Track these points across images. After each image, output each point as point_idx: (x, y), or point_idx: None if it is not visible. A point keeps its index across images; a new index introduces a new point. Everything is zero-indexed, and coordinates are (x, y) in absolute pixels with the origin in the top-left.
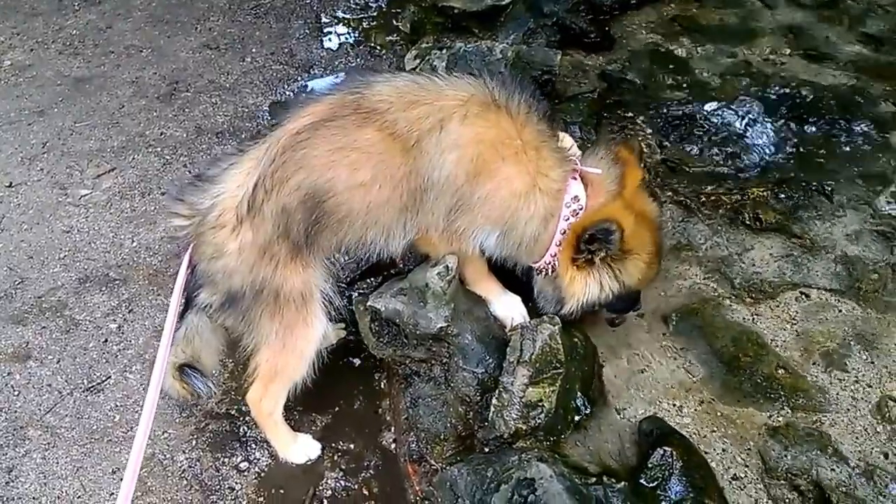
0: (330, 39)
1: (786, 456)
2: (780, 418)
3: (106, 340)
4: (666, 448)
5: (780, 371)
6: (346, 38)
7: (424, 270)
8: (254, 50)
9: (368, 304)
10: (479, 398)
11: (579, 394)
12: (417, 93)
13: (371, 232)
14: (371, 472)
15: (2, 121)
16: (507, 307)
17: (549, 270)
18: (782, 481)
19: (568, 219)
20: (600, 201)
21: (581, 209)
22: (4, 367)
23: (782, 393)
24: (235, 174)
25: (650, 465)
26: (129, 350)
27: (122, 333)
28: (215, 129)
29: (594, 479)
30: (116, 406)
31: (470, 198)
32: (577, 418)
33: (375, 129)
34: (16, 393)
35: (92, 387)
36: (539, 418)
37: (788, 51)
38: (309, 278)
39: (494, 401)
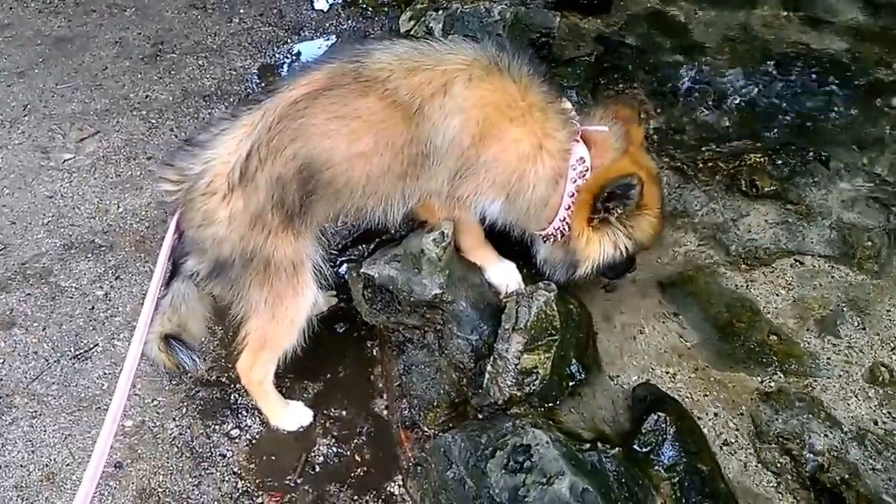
0: (320, 1)
1: (777, 420)
2: (773, 384)
3: (93, 308)
4: (659, 413)
5: (772, 337)
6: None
7: (419, 237)
8: (242, 11)
9: (362, 270)
10: (472, 365)
11: (574, 360)
12: (418, 59)
13: (370, 202)
14: (363, 438)
15: None
16: (503, 274)
17: (559, 236)
18: (773, 445)
19: (575, 181)
20: (606, 161)
21: (587, 171)
22: None
23: (775, 359)
24: (227, 140)
25: (643, 431)
26: (117, 317)
27: (109, 300)
28: (202, 92)
29: (588, 446)
30: (104, 374)
31: (476, 161)
32: (571, 384)
33: (377, 98)
34: (0, 360)
35: (79, 354)
36: (533, 385)
37: (788, 14)
38: (300, 248)
39: (489, 367)
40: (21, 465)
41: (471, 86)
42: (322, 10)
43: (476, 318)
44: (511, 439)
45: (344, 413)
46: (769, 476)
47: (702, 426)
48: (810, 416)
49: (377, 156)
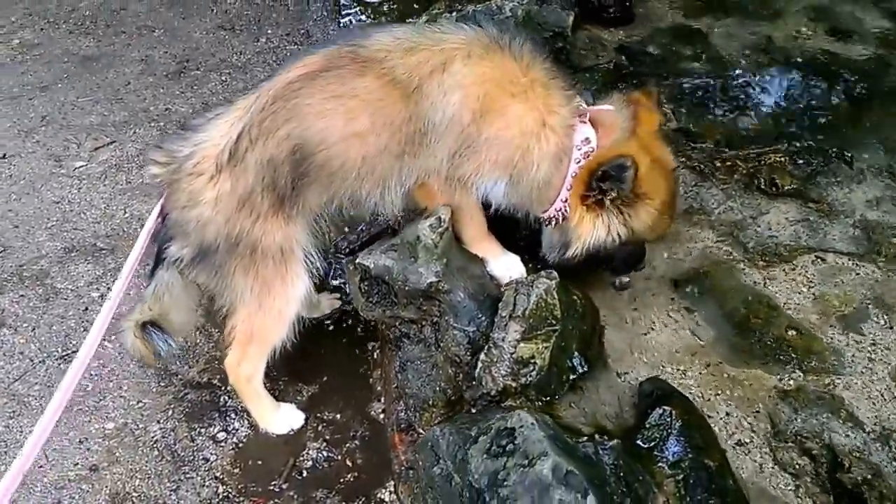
0: (348, 21)
1: (796, 419)
2: (791, 381)
3: (86, 309)
4: (665, 407)
5: (791, 332)
6: (364, 21)
7: (416, 224)
8: (269, 31)
9: (357, 261)
10: (469, 358)
11: (576, 353)
12: (416, 39)
13: (366, 185)
14: (356, 442)
15: (3, 95)
16: (506, 267)
17: (560, 219)
18: (791, 444)
19: (579, 161)
20: (613, 141)
21: (592, 151)
22: None
23: (794, 355)
24: (220, 123)
25: (648, 425)
26: (111, 319)
27: (105, 302)
28: (223, 104)
29: (585, 438)
30: (91, 375)
31: (477, 139)
32: (572, 377)
33: (374, 77)
34: None
35: (66, 355)
36: (530, 376)
37: (812, 28)
38: (290, 234)
39: (482, 356)
40: None
41: (470, 63)
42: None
43: (474, 309)
44: (496, 423)
45: (338, 416)
46: (786, 478)
47: (713, 425)
48: (831, 414)
49: (374, 135)
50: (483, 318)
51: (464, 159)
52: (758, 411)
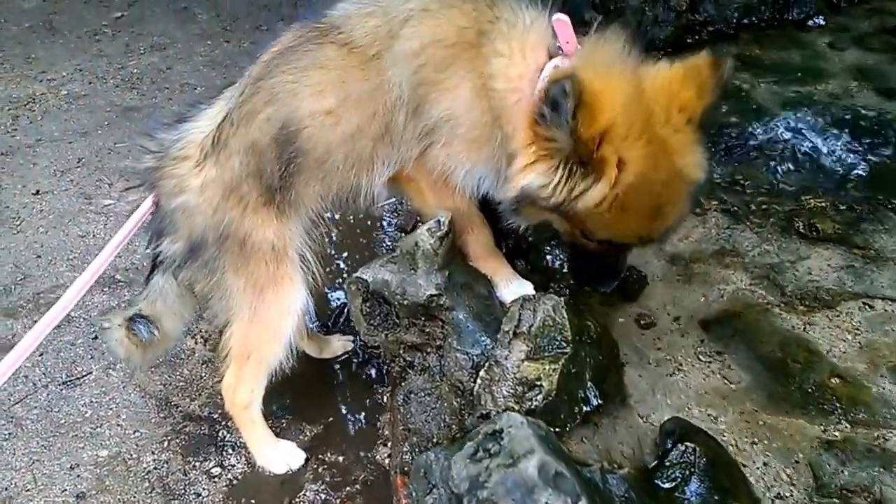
0: None
1: (842, 472)
2: (837, 432)
3: (95, 337)
4: (688, 444)
5: (835, 380)
6: None
7: (415, 231)
8: None
9: (356, 275)
10: (472, 385)
11: (590, 383)
12: (379, 1)
13: (353, 173)
14: (357, 486)
15: (45, 139)
16: (517, 293)
17: None
18: (836, 499)
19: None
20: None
21: None
22: None
23: (838, 405)
24: (209, 111)
25: (668, 464)
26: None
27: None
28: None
29: (591, 466)
30: (90, 402)
31: (430, 121)
32: (585, 409)
33: (335, 45)
34: None
35: (69, 381)
36: (536, 400)
37: (858, 86)
38: (284, 232)
39: (482, 373)
40: None
41: (420, 23)
42: None
43: (478, 331)
44: (484, 428)
45: (341, 459)
46: None
47: (749, 476)
48: (883, 469)
49: (345, 112)
50: (487, 341)
51: (432, 146)
52: (798, 463)
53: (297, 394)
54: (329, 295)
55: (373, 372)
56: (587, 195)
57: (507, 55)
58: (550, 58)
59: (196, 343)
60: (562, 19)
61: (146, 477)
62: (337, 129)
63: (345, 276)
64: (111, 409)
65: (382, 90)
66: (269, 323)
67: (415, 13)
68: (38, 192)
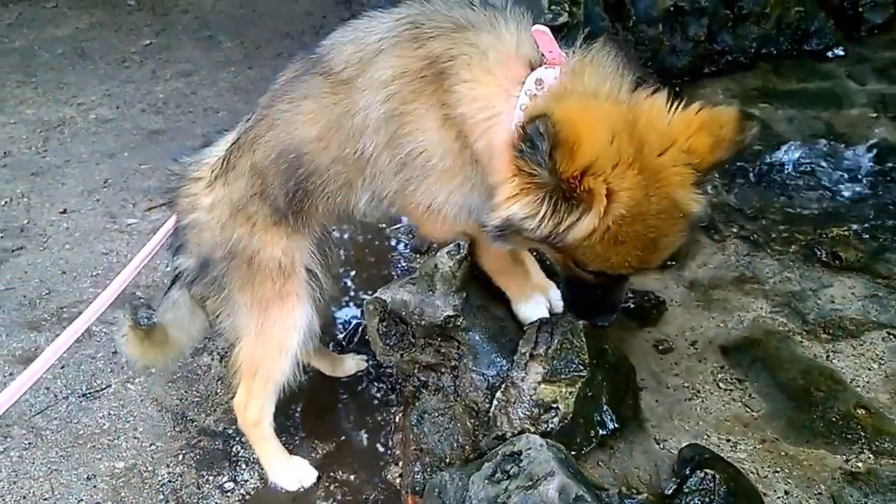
0: None
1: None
2: (860, 463)
3: (115, 352)
4: (707, 471)
5: (860, 411)
6: None
7: (435, 254)
8: None
9: (375, 295)
10: (487, 406)
11: (607, 407)
12: (360, 26)
13: (346, 195)
14: None
15: (73, 160)
16: (534, 310)
17: None
18: None
19: (526, 107)
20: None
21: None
22: (8, 367)
23: (863, 434)
24: (227, 137)
25: (687, 490)
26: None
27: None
28: None
29: (610, 491)
30: (109, 414)
31: (403, 153)
32: (601, 433)
33: (318, 73)
34: None
35: (89, 393)
36: (552, 423)
37: (878, 115)
38: (292, 249)
39: (498, 394)
40: None
41: (391, 52)
42: None
43: (493, 352)
44: (502, 449)
45: (352, 478)
46: None
47: None
48: None
49: (328, 140)
50: (503, 363)
51: (409, 183)
52: (820, 493)
53: (310, 412)
54: (343, 314)
55: (385, 392)
56: (575, 228)
57: (469, 79)
58: (532, 69)
59: (212, 360)
60: (541, 30)
61: (161, 489)
62: (326, 154)
63: (352, 293)
64: (129, 421)
65: (350, 114)
66: (274, 339)
67: (387, 44)
68: (65, 210)
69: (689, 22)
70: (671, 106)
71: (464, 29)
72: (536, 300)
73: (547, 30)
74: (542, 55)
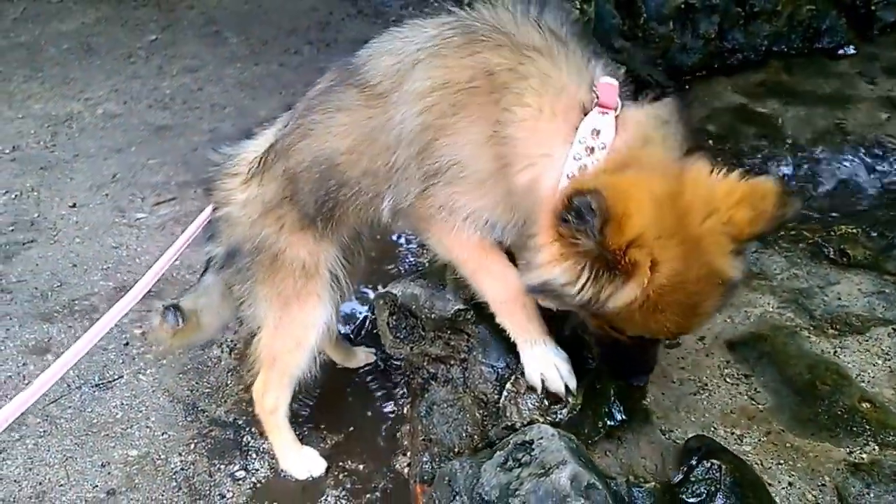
0: None
1: (868, 494)
2: (864, 455)
3: (127, 343)
4: (713, 461)
5: (865, 405)
6: None
7: None
8: None
9: (386, 289)
10: (496, 397)
11: (615, 399)
12: (400, 36)
13: (375, 205)
14: (377, 494)
15: (81, 155)
16: (540, 361)
17: None
18: None
19: (579, 157)
20: (638, 154)
21: (604, 149)
22: (22, 358)
23: (867, 427)
24: (268, 132)
25: (693, 479)
26: (148, 354)
27: (145, 339)
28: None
29: (618, 480)
30: (121, 404)
31: (435, 165)
32: (609, 424)
33: (353, 85)
34: (26, 382)
35: (102, 383)
36: (561, 413)
37: (887, 114)
38: (318, 253)
39: (508, 385)
40: (15, 481)
41: (432, 64)
42: None
43: (504, 345)
44: (514, 438)
45: (361, 467)
46: None
47: (774, 496)
48: None
49: (362, 149)
50: (512, 357)
51: (435, 185)
52: (824, 485)
53: (320, 403)
54: (351, 309)
55: (394, 384)
56: (616, 297)
57: (533, 107)
58: (586, 112)
59: (222, 352)
60: (609, 83)
61: (174, 476)
62: (358, 166)
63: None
64: (141, 411)
65: (384, 129)
66: (292, 334)
67: (426, 54)
68: (74, 205)
69: (700, 19)
70: (713, 172)
71: (526, 48)
72: (545, 346)
73: (615, 83)
74: (597, 97)
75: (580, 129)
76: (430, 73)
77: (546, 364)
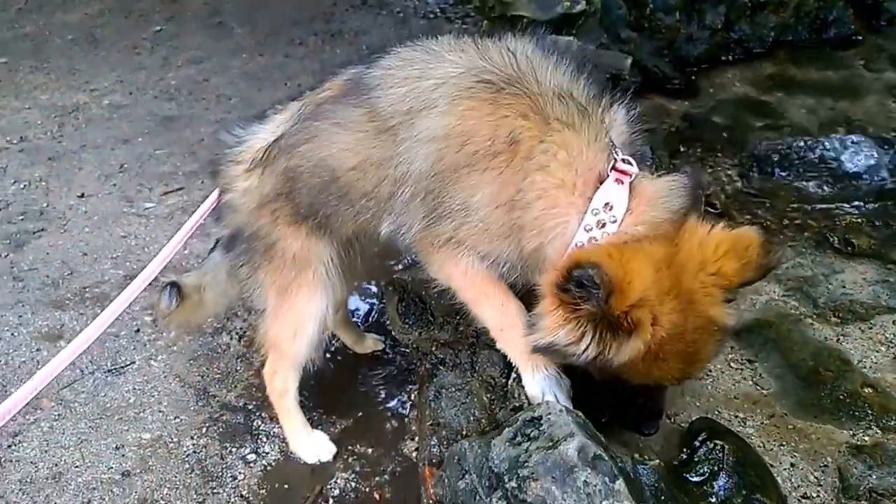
0: None
1: (870, 475)
2: (866, 438)
3: (138, 330)
4: (717, 441)
5: (867, 390)
6: None
7: None
8: None
9: (395, 276)
10: (504, 381)
11: None
12: (415, 64)
13: (374, 221)
14: (386, 477)
15: (89, 145)
16: (539, 388)
17: None
18: (863, 501)
19: (590, 229)
20: (642, 227)
21: (615, 223)
22: (35, 343)
23: (869, 412)
24: (277, 119)
25: (697, 459)
26: (159, 341)
27: (155, 325)
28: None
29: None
30: (134, 389)
31: (442, 208)
32: None
33: (362, 107)
34: (39, 367)
35: (114, 369)
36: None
37: (894, 104)
38: (311, 247)
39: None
40: (31, 462)
41: (449, 108)
42: None
43: None
44: (522, 415)
45: (370, 451)
46: None
47: (776, 476)
48: None
49: (365, 171)
50: None
51: (440, 222)
52: (826, 466)
53: (330, 389)
54: (358, 299)
55: (402, 370)
56: (621, 353)
57: (557, 178)
58: (601, 181)
59: (231, 339)
60: (626, 170)
61: (186, 459)
62: (360, 187)
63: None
64: (153, 396)
65: (393, 162)
66: (290, 323)
67: (443, 101)
68: (83, 194)
69: (707, 10)
70: (702, 226)
71: (548, 117)
72: (546, 373)
73: (633, 169)
74: (615, 161)
75: (594, 201)
76: (447, 120)
77: (546, 392)
